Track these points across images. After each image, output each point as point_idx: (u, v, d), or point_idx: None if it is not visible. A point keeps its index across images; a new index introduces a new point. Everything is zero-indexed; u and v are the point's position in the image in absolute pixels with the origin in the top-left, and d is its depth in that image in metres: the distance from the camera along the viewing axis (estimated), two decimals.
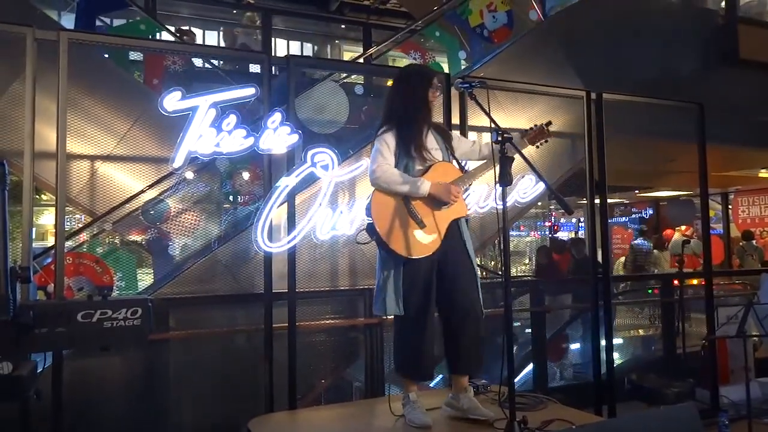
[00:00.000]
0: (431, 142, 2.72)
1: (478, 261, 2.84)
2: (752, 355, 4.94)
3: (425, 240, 2.57)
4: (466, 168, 2.84)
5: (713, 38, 5.99)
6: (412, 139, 2.63)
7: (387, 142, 2.63)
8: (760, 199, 11.12)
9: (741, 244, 9.84)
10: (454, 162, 2.78)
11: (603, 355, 3.98)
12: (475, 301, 2.63)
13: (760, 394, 4.53)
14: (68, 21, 6.29)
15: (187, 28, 5.81)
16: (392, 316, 2.65)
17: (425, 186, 2.56)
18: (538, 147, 2.90)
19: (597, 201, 4.15)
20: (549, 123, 2.85)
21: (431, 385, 3.63)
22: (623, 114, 4.43)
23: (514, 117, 4.44)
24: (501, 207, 2.29)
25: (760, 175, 9.19)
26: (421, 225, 2.57)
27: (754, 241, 9.90)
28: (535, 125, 2.84)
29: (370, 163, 2.66)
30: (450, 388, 2.80)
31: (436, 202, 2.61)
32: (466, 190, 2.82)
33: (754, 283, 5.92)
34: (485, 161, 2.77)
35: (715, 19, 6.16)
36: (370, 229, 2.59)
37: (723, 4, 6.39)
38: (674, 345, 5.05)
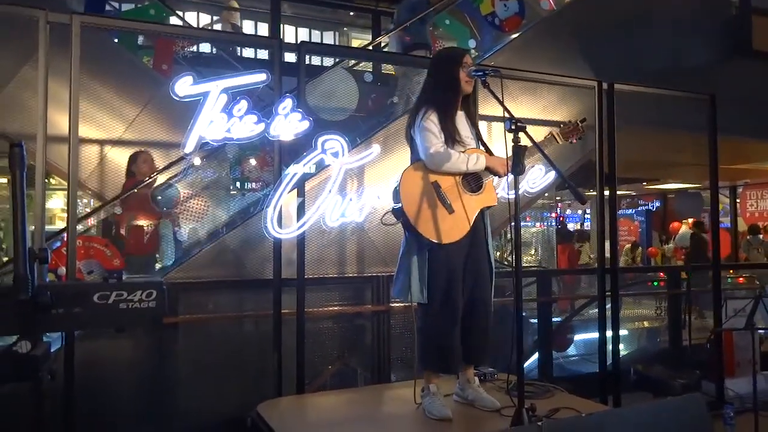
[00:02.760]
0: (464, 129, 2.70)
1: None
2: (759, 348, 4.94)
3: (453, 226, 2.55)
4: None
5: (726, 29, 5.93)
6: (443, 122, 2.61)
7: (434, 122, 2.61)
8: None
9: (747, 238, 9.81)
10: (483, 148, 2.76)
11: (609, 346, 3.98)
12: (489, 297, 2.64)
13: (766, 386, 4.53)
14: (76, 6, 6.30)
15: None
16: (410, 304, 2.64)
17: (482, 160, 2.58)
18: (571, 143, 2.88)
19: (606, 192, 4.14)
20: (584, 120, 2.83)
21: None
22: (634, 105, 4.40)
23: (525, 106, 4.43)
24: (512, 196, 2.29)
25: None
26: (450, 210, 2.55)
27: (760, 236, 9.86)
28: (570, 121, 2.83)
29: (424, 145, 2.60)
30: (456, 377, 2.82)
31: (469, 186, 2.60)
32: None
33: (761, 277, 5.90)
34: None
35: (728, 9, 6.09)
36: (398, 211, 2.58)
37: None
38: (680, 337, 5.05)
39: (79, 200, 4.83)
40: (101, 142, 4.44)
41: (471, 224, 2.59)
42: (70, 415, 2.77)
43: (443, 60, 2.78)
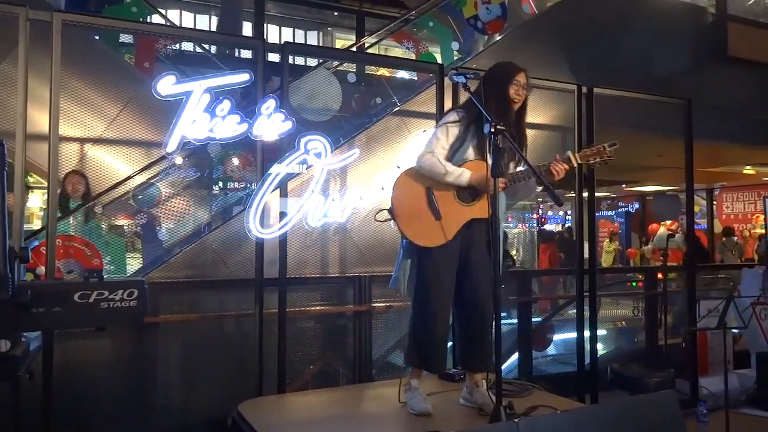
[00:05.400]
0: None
1: None
2: (731, 347, 5.06)
3: (435, 232, 2.59)
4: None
5: (703, 35, 6.06)
6: (481, 138, 2.58)
7: (450, 132, 2.63)
8: (744, 195, 11.31)
9: (722, 240, 10.02)
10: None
11: (588, 346, 4.06)
12: (488, 305, 2.62)
13: (738, 385, 4.64)
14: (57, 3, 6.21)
15: None
16: (391, 304, 2.70)
17: (465, 176, 2.57)
18: (591, 166, 2.76)
19: (585, 194, 4.21)
20: (613, 144, 2.71)
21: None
22: (613, 108, 4.48)
23: None
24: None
25: (745, 171, 9.33)
26: (437, 216, 2.60)
27: (734, 237, 10.08)
28: (598, 145, 2.70)
29: (425, 145, 2.66)
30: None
31: (464, 195, 2.62)
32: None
33: (734, 277, 6.03)
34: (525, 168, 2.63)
35: (705, 16, 6.22)
36: (392, 210, 2.66)
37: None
38: (656, 336, 5.15)
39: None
40: (82, 141, 4.40)
41: (457, 231, 2.61)
42: (48, 415, 2.75)
43: (497, 74, 2.70)
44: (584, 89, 4.19)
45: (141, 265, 4.15)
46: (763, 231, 10.13)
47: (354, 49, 5.84)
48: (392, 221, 2.65)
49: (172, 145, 2.97)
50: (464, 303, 2.66)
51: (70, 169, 4.15)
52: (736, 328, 4.08)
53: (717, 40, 6.02)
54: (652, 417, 2.12)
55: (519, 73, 2.65)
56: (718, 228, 10.92)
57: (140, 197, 4.34)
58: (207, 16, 10.63)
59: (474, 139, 2.63)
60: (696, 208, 10.86)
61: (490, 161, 2.31)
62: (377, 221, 2.72)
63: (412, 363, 2.72)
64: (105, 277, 3.28)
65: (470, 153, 2.64)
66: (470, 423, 2.52)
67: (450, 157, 2.63)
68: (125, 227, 4.28)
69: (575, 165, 2.64)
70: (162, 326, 3.49)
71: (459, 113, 2.70)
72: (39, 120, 2.98)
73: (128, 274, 3.99)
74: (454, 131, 2.64)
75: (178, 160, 4.29)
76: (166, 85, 2.89)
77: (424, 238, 2.60)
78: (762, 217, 10.51)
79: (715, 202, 11.66)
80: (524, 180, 2.63)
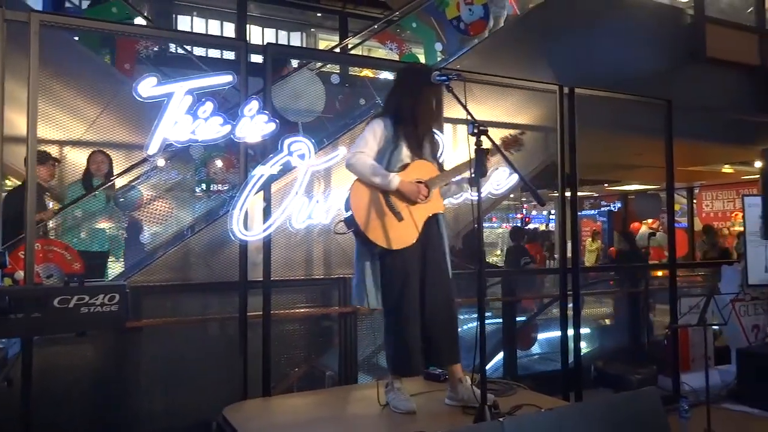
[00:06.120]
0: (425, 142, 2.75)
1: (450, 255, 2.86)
2: (712, 343, 5.14)
3: (403, 232, 2.62)
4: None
5: (682, 36, 6.16)
6: (409, 134, 2.67)
7: (375, 130, 2.68)
8: (723, 194, 11.49)
9: (702, 239, 10.16)
10: (436, 164, 2.81)
11: (571, 344, 4.09)
12: (451, 297, 2.69)
13: (719, 381, 4.72)
14: (33, 2, 6.12)
15: None
16: (370, 308, 2.69)
17: (395, 181, 2.60)
18: (512, 153, 2.85)
19: (568, 193, 4.24)
20: (523, 133, 2.87)
21: None
22: (595, 108, 4.53)
23: (489, 109, 4.51)
24: (475, 198, 2.34)
25: (724, 170, 9.49)
26: (399, 218, 2.62)
27: (714, 236, 10.21)
28: (510, 134, 2.85)
29: (353, 145, 2.71)
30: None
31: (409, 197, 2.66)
32: (447, 185, 2.81)
33: (714, 275, 6.12)
34: (462, 163, 2.75)
35: (683, 18, 6.32)
36: (349, 220, 2.63)
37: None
38: (639, 334, 5.21)
39: None
40: (61, 143, 4.34)
41: (420, 230, 2.65)
42: (27, 423, 2.69)
43: (412, 72, 2.83)
44: (566, 90, 4.22)
45: (123, 269, 4.10)
46: (742, 229, 10.30)
47: (337, 50, 5.83)
48: (351, 232, 2.64)
49: (153, 148, 2.94)
50: (426, 301, 2.66)
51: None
52: (716, 325, 4.15)
53: (696, 41, 6.12)
54: (635, 413, 2.15)
55: (433, 73, 2.71)
56: (699, 226, 11.08)
57: (122, 200, 4.30)
58: (188, 17, 10.55)
59: (406, 140, 2.67)
60: (677, 207, 11.01)
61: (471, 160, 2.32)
62: (336, 234, 2.73)
63: (394, 371, 2.71)
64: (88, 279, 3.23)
65: (405, 154, 2.68)
66: (455, 423, 2.52)
67: (385, 160, 2.67)
68: (107, 230, 4.23)
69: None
70: (144, 330, 3.45)
71: (383, 112, 2.75)
72: (17, 122, 2.93)
73: (109, 279, 3.95)
74: (379, 130, 2.68)
75: (160, 163, 4.25)
76: (147, 87, 2.86)
77: (393, 242, 2.60)
78: (741, 215, 10.69)
79: (695, 201, 11.83)
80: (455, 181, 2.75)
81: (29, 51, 2.79)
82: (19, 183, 4.13)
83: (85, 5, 6.30)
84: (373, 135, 2.67)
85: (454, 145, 2.94)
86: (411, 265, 2.63)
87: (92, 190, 4.17)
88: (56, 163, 4.26)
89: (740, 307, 5.02)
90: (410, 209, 2.65)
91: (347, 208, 2.66)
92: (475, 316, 2.30)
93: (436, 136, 2.92)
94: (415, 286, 2.63)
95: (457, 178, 2.77)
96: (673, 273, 4.63)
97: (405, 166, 2.69)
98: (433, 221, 2.71)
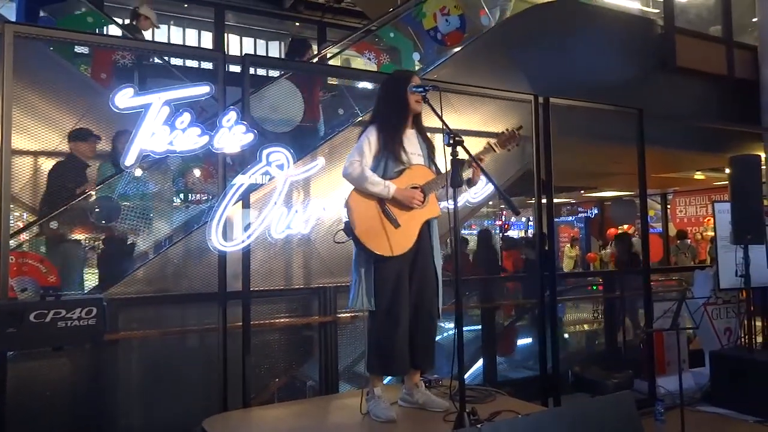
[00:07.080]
0: (413, 146, 2.81)
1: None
2: (686, 347, 5.24)
3: (400, 238, 2.67)
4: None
5: (653, 47, 6.32)
6: (389, 141, 2.72)
7: (370, 140, 2.72)
8: (696, 199, 11.73)
9: (676, 243, 10.36)
10: (433, 168, 2.86)
11: (549, 350, 4.14)
12: (435, 304, 2.75)
13: (693, 383, 4.82)
14: (7, 12, 6.03)
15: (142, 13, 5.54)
16: (358, 314, 2.73)
17: (391, 189, 2.65)
18: (509, 150, 2.98)
19: (544, 200, 4.31)
20: (520, 127, 2.96)
21: (384, 381, 3.70)
22: (569, 117, 4.62)
23: (466, 117, 4.57)
24: (452, 207, 2.38)
25: (696, 177, 9.69)
26: (396, 225, 2.67)
27: (687, 240, 10.44)
28: (506, 130, 2.93)
29: (349, 156, 2.74)
30: (402, 383, 2.89)
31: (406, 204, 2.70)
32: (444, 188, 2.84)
33: (688, 279, 6.25)
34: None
35: (654, 29, 6.48)
36: (348, 228, 2.67)
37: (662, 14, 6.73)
38: (616, 339, 5.29)
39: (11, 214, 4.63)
40: (35, 154, 4.28)
41: (417, 235, 2.70)
42: None
43: (393, 79, 2.89)
44: (541, 99, 4.30)
45: (98, 282, 4.05)
46: (713, 233, 10.53)
47: (315, 60, 5.85)
48: (351, 239, 2.68)
49: (131, 159, 2.92)
50: (412, 307, 2.71)
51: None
52: (689, 329, 4.24)
53: (666, 51, 6.29)
54: (610, 418, 2.19)
55: (413, 77, 2.83)
56: (673, 231, 11.30)
57: (98, 211, 4.24)
58: (166, 26, 10.48)
59: (397, 147, 2.73)
60: (651, 212, 11.22)
61: (448, 171, 2.36)
62: (336, 242, 2.76)
63: (375, 372, 2.75)
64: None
65: (400, 160, 2.73)
66: (434, 429, 2.55)
67: (381, 167, 2.72)
68: (82, 242, 4.17)
69: (498, 152, 2.89)
70: (122, 343, 3.41)
71: (372, 122, 2.81)
72: None
73: (86, 291, 3.89)
74: (373, 139, 2.72)
75: (138, 173, 4.21)
76: (124, 98, 2.85)
77: (392, 249, 2.64)
78: (712, 220, 10.93)
79: (669, 207, 12.06)
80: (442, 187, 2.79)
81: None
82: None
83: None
84: (368, 143, 2.71)
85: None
86: (404, 269, 2.68)
87: (120, 171, 4.00)
88: (98, 140, 4.20)
89: (713, 310, 5.13)
90: (407, 215, 2.70)
91: (346, 216, 2.70)
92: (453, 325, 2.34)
93: (430, 138, 2.94)
94: (406, 288, 2.68)
95: None
96: (647, 278, 4.72)
97: (401, 172, 2.73)
98: (425, 226, 2.75)
